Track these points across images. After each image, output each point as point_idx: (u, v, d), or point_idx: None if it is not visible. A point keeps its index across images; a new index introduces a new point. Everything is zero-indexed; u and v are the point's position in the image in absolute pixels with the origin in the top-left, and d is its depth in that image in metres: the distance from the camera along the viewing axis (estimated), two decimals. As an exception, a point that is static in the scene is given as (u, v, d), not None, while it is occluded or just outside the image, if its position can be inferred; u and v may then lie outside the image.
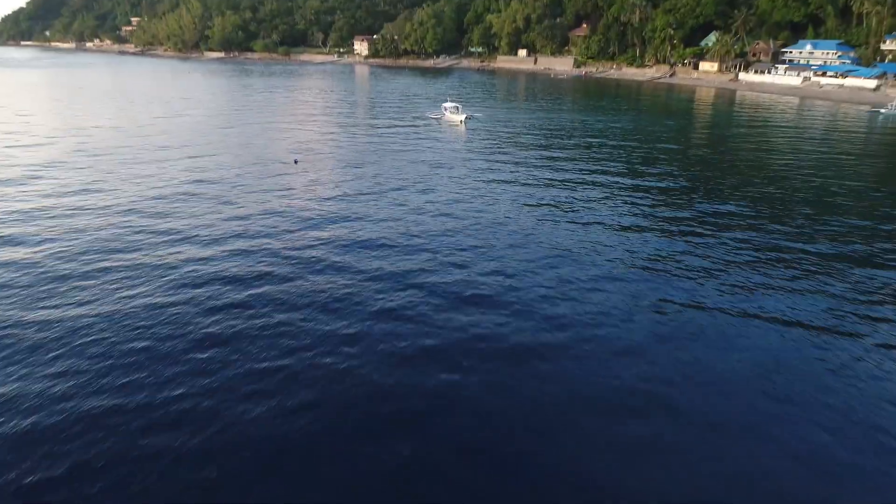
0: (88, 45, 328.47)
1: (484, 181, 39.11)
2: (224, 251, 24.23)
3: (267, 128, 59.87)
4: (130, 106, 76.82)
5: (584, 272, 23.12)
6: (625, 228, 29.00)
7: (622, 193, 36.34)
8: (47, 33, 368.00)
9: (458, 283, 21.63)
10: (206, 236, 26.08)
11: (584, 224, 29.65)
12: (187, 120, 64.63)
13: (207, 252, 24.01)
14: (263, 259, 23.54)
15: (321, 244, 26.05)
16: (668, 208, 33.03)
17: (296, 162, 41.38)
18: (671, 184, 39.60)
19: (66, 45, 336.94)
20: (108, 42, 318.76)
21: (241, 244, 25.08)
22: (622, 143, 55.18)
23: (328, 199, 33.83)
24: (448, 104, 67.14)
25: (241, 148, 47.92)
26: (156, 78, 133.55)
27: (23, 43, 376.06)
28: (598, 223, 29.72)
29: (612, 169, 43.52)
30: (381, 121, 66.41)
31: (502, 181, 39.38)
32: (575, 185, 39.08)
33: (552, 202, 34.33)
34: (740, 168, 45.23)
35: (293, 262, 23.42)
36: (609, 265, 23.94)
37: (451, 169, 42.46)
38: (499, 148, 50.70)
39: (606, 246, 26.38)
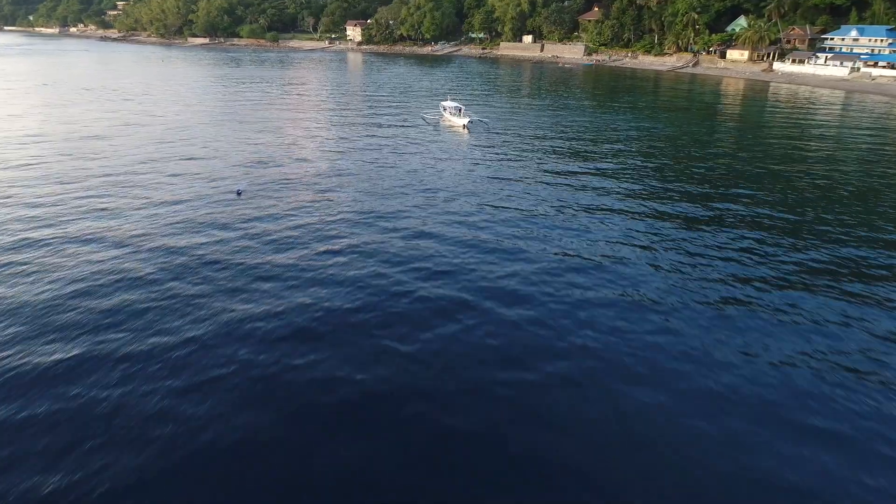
0: (72, 30, 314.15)
1: (499, 221, 27.72)
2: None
3: (230, 136, 48.18)
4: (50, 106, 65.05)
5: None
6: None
7: (669, 223, 25.16)
8: (31, 18, 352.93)
9: None
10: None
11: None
12: (129, 129, 52.87)
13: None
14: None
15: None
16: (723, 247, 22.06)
17: (238, 194, 29.95)
18: (716, 210, 28.34)
19: (49, 31, 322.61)
20: (92, 27, 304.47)
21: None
22: (650, 148, 43.67)
23: (264, 262, 22.41)
24: (448, 104, 55.45)
25: (184, 164, 36.50)
26: (109, 67, 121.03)
27: (5, 28, 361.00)
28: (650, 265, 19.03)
29: (646, 189, 32.21)
30: (369, 125, 54.72)
31: (523, 219, 28.03)
32: (605, 211, 28.35)
33: (584, 249, 23.21)
34: (796, 182, 34.19)
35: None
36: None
37: (451, 198, 31.11)
38: (511, 163, 39.21)
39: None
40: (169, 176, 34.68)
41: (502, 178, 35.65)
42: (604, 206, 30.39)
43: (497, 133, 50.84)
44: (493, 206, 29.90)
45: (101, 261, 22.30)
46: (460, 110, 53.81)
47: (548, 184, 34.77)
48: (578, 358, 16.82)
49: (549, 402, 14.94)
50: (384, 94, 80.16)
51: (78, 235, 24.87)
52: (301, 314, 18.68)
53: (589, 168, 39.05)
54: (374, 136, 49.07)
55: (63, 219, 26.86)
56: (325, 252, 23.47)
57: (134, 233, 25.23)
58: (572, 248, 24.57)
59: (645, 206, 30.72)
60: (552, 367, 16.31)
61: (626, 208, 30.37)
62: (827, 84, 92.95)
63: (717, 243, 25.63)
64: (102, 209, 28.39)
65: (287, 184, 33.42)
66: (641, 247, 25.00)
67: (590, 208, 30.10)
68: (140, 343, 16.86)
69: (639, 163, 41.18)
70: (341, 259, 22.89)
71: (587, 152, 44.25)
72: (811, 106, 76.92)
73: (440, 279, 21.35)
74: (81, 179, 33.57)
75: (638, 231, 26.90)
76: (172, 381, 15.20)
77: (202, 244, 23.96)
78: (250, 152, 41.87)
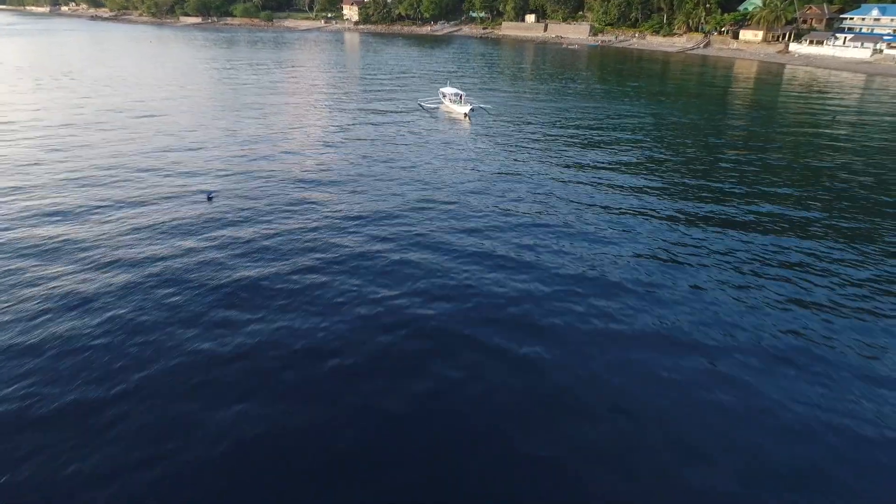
0: (63, 8, 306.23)
1: (507, 227, 24.01)
2: None
3: (213, 125, 44.18)
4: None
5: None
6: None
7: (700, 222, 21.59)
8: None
9: None
10: None
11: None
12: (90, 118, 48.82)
13: None
14: None
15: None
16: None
17: (209, 199, 26.22)
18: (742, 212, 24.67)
19: (40, 10, 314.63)
20: (84, 6, 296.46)
21: None
22: (662, 139, 39.60)
23: (232, 280, 18.79)
24: (448, 90, 51.39)
25: (155, 158, 32.57)
26: (95, 49, 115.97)
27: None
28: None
29: (664, 186, 28.38)
30: (363, 113, 50.66)
31: (533, 224, 24.32)
32: (624, 214, 24.68)
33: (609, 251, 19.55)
34: (818, 176, 30.23)
35: None
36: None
37: (452, 200, 27.43)
38: (517, 157, 35.30)
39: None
40: (136, 172, 30.88)
41: (508, 175, 31.88)
42: (622, 209, 26.70)
43: (500, 122, 46.87)
44: (499, 209, 26.21)
45: (31, 280, 18.74)
46: (461, 97, 49.75)
47: (558, 180, 31.01)
48: (612, 422, 13.36)
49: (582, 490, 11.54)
50: (381, 77, 75.87)
51: (14, 246, 21.26)
52: (264, 356, 15.18)
53: (601, 162, 35.23)
54: (368, 125, 45.12)
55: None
56: (301, 270, 19.87)
57: (81, 243, 21.61)
58: (593, 261, 20.98)
59: (666, 207, 27.07)
60: (582, 443, 12.83)
61: (646, 208, 26.69)
62: (847, 67, 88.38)
63: (757, 255, 22.06)
64: (51, 213, 24.72)
65: (268, 182, 29.67)
66: (671, 260, 21.42)
67: (608, 210, 26.41)
68: (51, 404, 13.30)
69: (650, 155, 37.36)
70: (321, 279, 19.31)
71: (597, 144, 40.37)
72: (830, 90, 72.64)
73: (438, 306, 17.80)
74: (35, 175, 29.85)
75: (666, 239, 23.30)
76: (85, 464, 11.72)
77: (159, 259, 20.36)
78: (232, 144, 38.00)
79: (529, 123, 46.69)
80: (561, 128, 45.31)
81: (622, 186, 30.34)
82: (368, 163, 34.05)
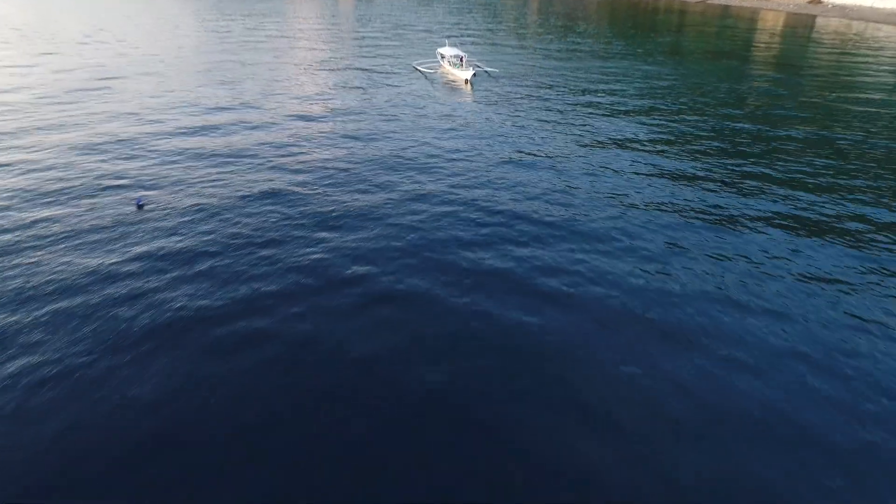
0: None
1: (527, 238, 18.36)
2: None
3: (169, 90, 37.93)
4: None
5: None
6: None
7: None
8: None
9: None
10: None
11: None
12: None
13: None
14: None
15: None
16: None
17: (139, 207, 20.45)
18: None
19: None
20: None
21: None
22: (696, 108, 33.40)
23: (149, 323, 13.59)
24: (447, 51, 44.80)
25: (84, 136, 26.75)
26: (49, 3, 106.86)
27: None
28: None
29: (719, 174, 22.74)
30: (349, 77, 44.21)
31: (561, 231, 18.74)
32: (677, 211, 18.87)
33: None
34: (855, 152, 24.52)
35: None
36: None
37: (453, 197, 21.64)
38: (532, 133, 29.36)
39: None
40: (67, 155, 25.17)
41: (522, 158, 26.13)
42: (671, 203, 21.18)
43: (507, 87, 40.60)
44: (513, 213, 20.71)
45: None
46: (461, 59, 43.25)
47: (582, 166, 25.34)
48: None
49: None
50: (372, 33, 68.58)
51: None
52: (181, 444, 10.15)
53: (625, 136, 29.37)
54: (355, 92, 38.94)
55: None
56: (241, 316, 14.59)
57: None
58: (646, 293, 15.74)
59: (730, 204, 21.58)
60: None
61: (705, 208, 21.17)
62: (889, 19, 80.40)
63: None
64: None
65: (223, 171, 24.02)
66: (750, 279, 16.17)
67: (651, 205, 20.85)
68: None
69: (686, 129, 31.47)
70: (264, 325, 14.08)
71: (617, 112, 34.30)
72: (868, 47, 65.49)
73: (437, 365, 12.68)
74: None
75: (738, 249, 17.99)
76: None
77: (72, 273, 15.12)
78: (189, 117, 32.06)
79: (541, 88, 40.44)
80: (576, 93, 39.08)
81: (652, 164, 24.68)
82: (350, 144, 28.24)
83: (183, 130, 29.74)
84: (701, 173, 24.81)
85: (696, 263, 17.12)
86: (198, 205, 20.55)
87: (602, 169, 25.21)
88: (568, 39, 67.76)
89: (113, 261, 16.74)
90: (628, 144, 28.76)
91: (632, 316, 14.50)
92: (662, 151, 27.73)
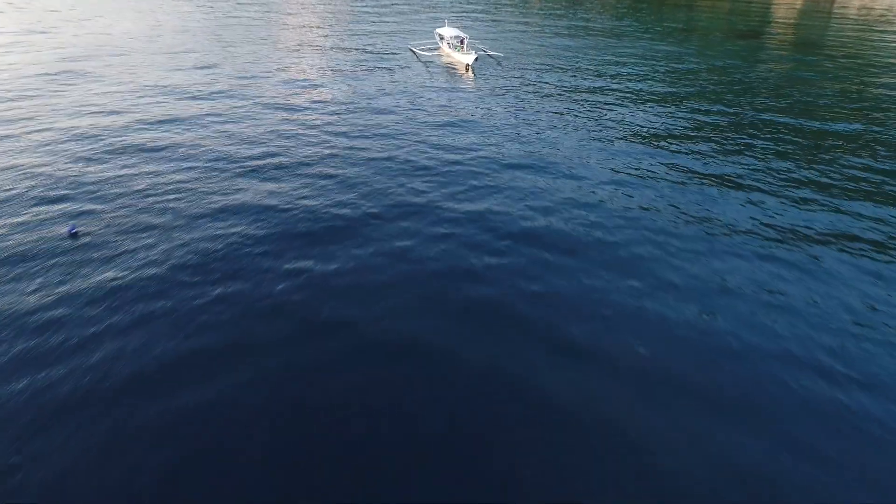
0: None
1: (562, 271, 14.92)
2: None
3: (146, 71, 34.06)
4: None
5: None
6: None
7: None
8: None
9: None
10: None
11: None
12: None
13: None
14: None
15: None
16: None
17: (72, 235, 16.81)
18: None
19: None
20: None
21: None
22: (730, 98, 29.81)
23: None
24: (446, 31, 40.80)
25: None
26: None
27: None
28: None
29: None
30: (337, 60, 40.21)
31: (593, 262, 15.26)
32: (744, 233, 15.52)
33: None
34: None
35: None
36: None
37: (456, 215, 18.12)
38: (548, 129, 25.68)
39: None
40: None
41: (533, 160, 22.61)
42: (713, 219, 17.78)
43: (513, 73, 36.74)
44: (528, 231, 17.29)
45: None
46: (462, 41, 39.29)
47: (604, 170, 21.79)
48: None
49: None
50: (365, 8, 64.10)
51: None
52: None
53: (649, 129, 25.77)
54: (345, 77, 35.10)
55: None
56: (182, 386, 11.33)
57: None
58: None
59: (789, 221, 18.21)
60: None
61: (756, 226, 17.80)
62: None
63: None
64: None
65: (182, 179, 20.46)
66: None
67: (693, 220, 17.48)
68: None
69: (717, 122, 27.82)
70: (212, 399, 10.84)
71: (637, 101, 30.60)
72: (892, 27, 61.34)
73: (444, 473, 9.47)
74: None
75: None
76: None
77: None
78: (152, 108, 28.32)
79: (550, 73, 36.57)
80: (589, 78, 35.25)
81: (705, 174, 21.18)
82: (335, 142, 24.63)
83: (142, 125, 26.04)
84: (741, 177, 21.29)
85: (752, 309, 13.73)
86: (145, 226, 17.04)
87: (627, 173, 21.68)
88: (577, 16, 63.38)
89: (30, 305, 13.35)
90: (654, 141, 25.14)
91: (679, 382, 11.20)
92: (695, 151, 24.15)
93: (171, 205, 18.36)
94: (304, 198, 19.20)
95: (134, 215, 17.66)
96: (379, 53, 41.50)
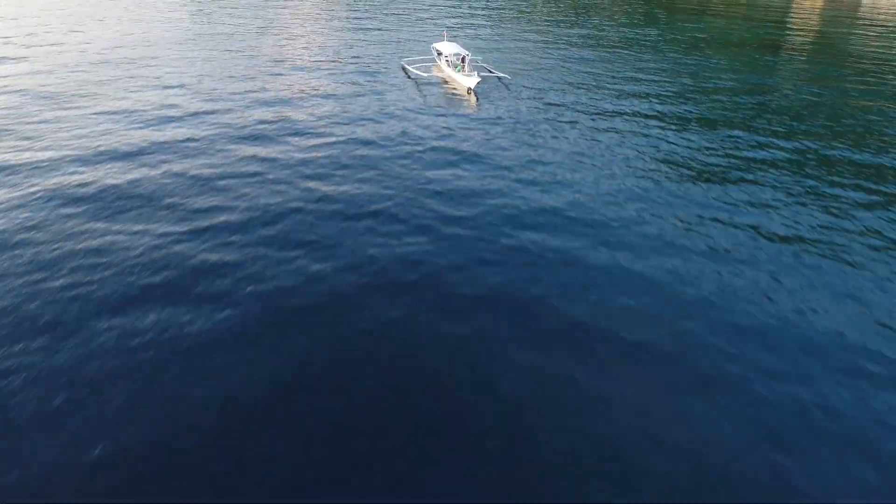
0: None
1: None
2: None
3: (98, 87, 29.13)
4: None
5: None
6: None
7: None
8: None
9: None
10: None
11: None
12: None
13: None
14: None
15: None
16: None
17: None
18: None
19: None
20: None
21: None
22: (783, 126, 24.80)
23: None
24: (445, 46, 35.78)
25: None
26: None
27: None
28: None
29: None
30: (321, 75, 35.26)
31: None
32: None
33: None
34: None
35: None
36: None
37: (459, 302, 13.04)
38: (564, 168, 20.50)
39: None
40: None
41: (555, 216, 17.67)
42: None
43: (523, 95, 31.77)
44: (558, 319, 12.36)
45: None
46: (463, 59, 34.33)
47: (641, 231, 16.85)
48: None
49: None
50: (356, 16, 59.25)
51: None
52: None
53: (693, 167, 20.79)
54: (322, 101, 30.21)
55: None
56: None
57: None
58: None
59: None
60: None
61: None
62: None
63: None
64: None
65: (106, 232, 15.57)
66: None
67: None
68: None
69: (772, 157, 22.79)
70: None
71: (674, 129, 25.62)
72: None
73: None
74: None
75: None
76: None
77: None
78: (99, 137, 23.40)
79: (563, 92, 31.60)
80: (612, 100, 30.26)
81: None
82: (308, 185, 19.69)
83: (74, 163, 21.09)
84: (825, 240, 16.19)
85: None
86: (46, 316, 12.02)
87: (676, 240, 16.62)
88: (588, 24, 58.47)
89: None
90: (702, 179, 20.08)
91: None
92: (763, 204, 19.06)
93: (76, 292, 13.34)
94: (253, 281, 14.20)
95: (38, 284, 12.63)
96: (367, 71, 36.62)
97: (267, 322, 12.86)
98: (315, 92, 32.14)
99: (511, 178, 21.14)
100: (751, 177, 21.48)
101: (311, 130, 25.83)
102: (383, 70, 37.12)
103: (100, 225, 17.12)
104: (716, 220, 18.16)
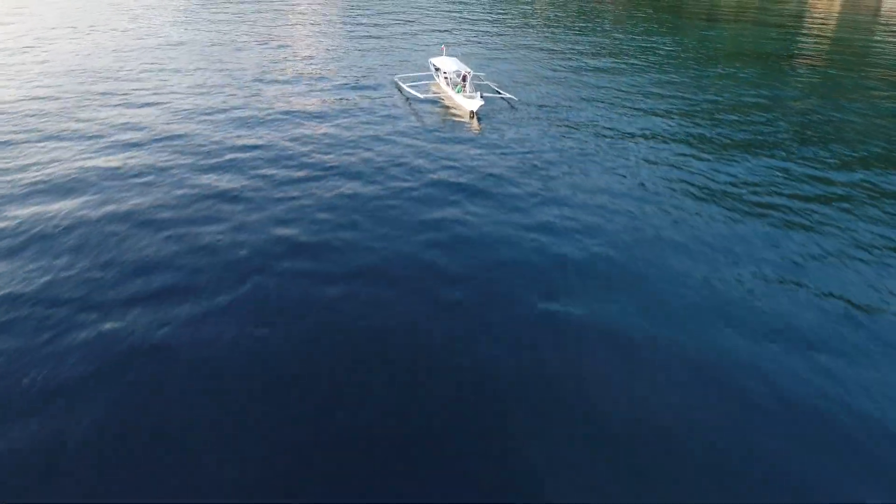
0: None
1: None
2: None
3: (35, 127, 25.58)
4: None
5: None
6: None
7: None
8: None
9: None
10: None
11: None
12: None
13: None
14: None
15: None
16: None
17: None
18: None
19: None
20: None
21: None
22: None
23: None
24: (444, 62, 32.04)
25: None
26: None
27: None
28: None
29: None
30: (306, 93, 31.73)
31: None
32: None
33: None
34: None
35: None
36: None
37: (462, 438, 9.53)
38: (591, 206, 16.94)
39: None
40: None
41: (586, 280, 14.14)
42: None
43: (532, 116, 28.24)
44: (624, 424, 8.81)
45: None
46: (464, 78, 30.69)
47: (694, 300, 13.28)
48: None
49: None
50: (359, 20, 55.85)
51: None
52: None
53: (754, 200, 17.24)
54: (303, 120, 26.73)
55: None
56: None
57: None
58: None
59: None
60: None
61: None
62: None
63: None
64: None
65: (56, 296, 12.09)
66: None
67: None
68: None
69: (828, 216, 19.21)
70: None
71: (706, 154, 22.06)
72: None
73: None
74: None
75: None
76: None
77: None
78: (46, 167, 19.89)
79: (575, 111, 28.11)
80: (629, 117, 26.74)
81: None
82: (274, 234, 16.15)
83: (12, 191, 17.55)
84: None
85: None
86: None
87: (736, 309, 12.92)
88: (596, 30, 54.99)
89: None
90: (758, 223, 16.42)
91: None
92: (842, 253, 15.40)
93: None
94: (192, 376, 10.55)
95: None
96: (357, 86, 33.13)
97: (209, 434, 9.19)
98: (298, 111, 28.64)
99: (523, 222, 17.56)
100: (811, 218, 17.85)
101: (290, 160, 22.31)
102: (375, 85, 33.62)
103: None
104: (782, 279, 14.52)
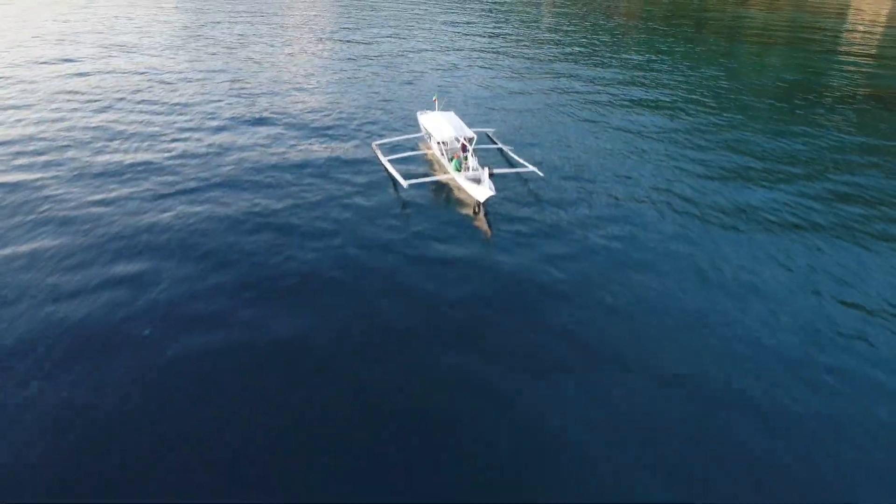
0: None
1: None
2: None
3: None
4: None
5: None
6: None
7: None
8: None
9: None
10: None
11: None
12: None
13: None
14: None
15: None
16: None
17: None
18: None
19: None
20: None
21: None
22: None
23: None
24: (437, 123, 22.90)
25: None
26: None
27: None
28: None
29: None
30: (259, 173, 23.26)
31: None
32: None
33: None
34: None
35: None
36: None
37: None
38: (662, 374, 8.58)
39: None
40: None
41: None
42: None
43: (566, 202, 19.62)
44: None
45: None
46: (466, 146, 21.91)
47: None
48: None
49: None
50: (351, 51, 47.37)
51: None
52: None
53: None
54: (260, 207, 18.43)
55: None
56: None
57: None
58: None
59: None
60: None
61: None
62: None
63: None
64: None
65: None
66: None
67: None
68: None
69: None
70: None
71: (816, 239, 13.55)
72: None
73: None
74: None
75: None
76: None
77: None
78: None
79: (611, 182, 19.73)
80: (694, 191, 18.24)
81: None
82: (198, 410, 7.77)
83: None
84: None
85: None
86: None
87: None
88: (614, 57, 46.30)
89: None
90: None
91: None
92: None
93: None
94: None
95: None
96: (336, 160, 24.62)
97: None
98: (240, 217, 20.11)
99: (566, 392, 9.07)
100: None
101: (225, 283, 13.89)
102: (351, 160, 25.01)
103: None
104: None
